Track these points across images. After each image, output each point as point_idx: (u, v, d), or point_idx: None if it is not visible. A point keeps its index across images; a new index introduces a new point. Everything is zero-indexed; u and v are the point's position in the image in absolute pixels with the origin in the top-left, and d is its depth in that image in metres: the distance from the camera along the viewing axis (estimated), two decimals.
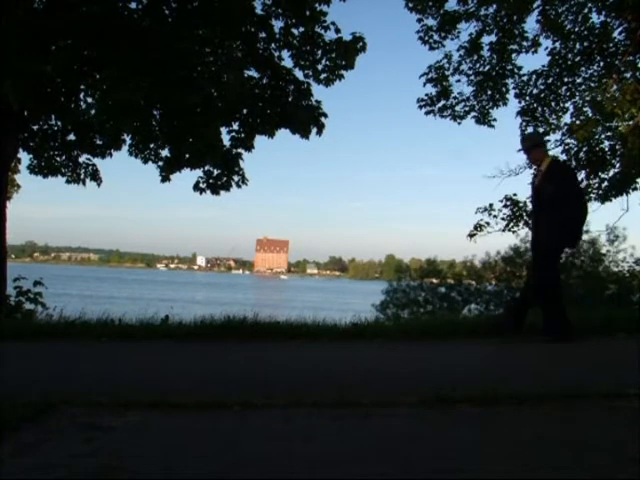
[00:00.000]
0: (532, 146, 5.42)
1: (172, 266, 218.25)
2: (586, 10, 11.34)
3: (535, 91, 12.36)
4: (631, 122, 10.77)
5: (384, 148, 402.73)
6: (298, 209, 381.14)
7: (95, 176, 10.81)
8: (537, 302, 5.34)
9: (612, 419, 2.88)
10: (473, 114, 12.67)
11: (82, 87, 9.65)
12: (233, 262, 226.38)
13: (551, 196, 5.19)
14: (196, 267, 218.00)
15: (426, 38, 12.06)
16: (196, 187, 10.61)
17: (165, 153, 10.58)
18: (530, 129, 12.49)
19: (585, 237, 14.97)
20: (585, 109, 12.26)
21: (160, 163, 10.65)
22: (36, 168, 10.48)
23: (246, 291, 69.26)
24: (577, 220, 5.29)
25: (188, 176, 10.74)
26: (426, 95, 12.52)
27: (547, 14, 11.56)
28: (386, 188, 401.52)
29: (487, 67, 12.26)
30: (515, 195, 12.65)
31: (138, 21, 9.15)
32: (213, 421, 2.83)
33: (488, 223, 12.64)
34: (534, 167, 5.53)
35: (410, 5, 11.65)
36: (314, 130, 9.86)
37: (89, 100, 9.81)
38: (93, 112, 9.73)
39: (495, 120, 12.71)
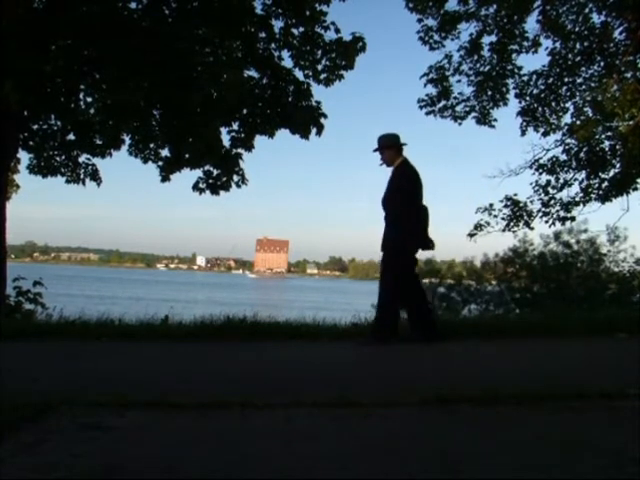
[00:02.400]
0: (384, 147, 5.37)
1: (172, 266, 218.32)
2: (587, 10, 11.34)
3: (535, 91, 12.38)
4: (631, 122, 10.77)
5: None
6: (298, 209, 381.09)
7: (95, 176, 10.82)
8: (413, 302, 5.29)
9: (612, 419, 2.88)
10: (474, 114, 12.68)
11: (82, 87, 9.65)
12: (233, 262, 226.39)
13: (394, 198, 5.18)
14: (196, 267, 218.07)
15: (426, 38, 12.07)
16: (195, 187, 10.62)
17: (165, 153, 10.60)
18: (530, 129, 12.52)
19: (584, 237, 14.98)
20: (585, 109, 12.27)
21: (160, 163, 10.65)
22: (36, 168, 10.48)
23: (247, 291, 69.35)
24: (419, 222, 5.20)
25: (188, 176, 10.75)
26: (427, 95, 12.54)
27: (547, 14, 11.57)
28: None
29: (487, 67, 12.28)
30: (515, 195, 12.68)
31: (138, 21, 9.15)
32: (213, 421, 2.83)
33: (488, 223, 12.66)
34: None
35: (410, 5, 11.66)
36: (314, 130, 9.86)
37: (89, 100, 9.83)
38: (92, 111, 9.75)
39: (496, 120, 12.74)
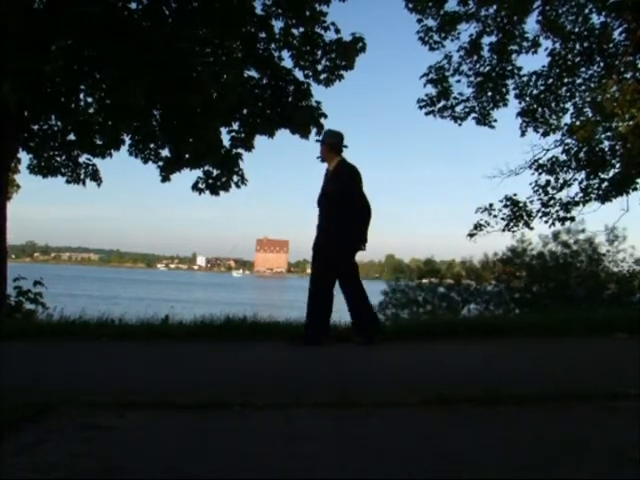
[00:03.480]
0: (324, 141, 5.29)
1: (172, 266, 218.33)
2: (586, 11, 11.35)
3: (535, 92, 12.38)
4: (631, 122, 10.77)
5: (384, 148, 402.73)
6: (298, 209, 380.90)
7: (95, 176, 10.82)
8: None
9: (612, 419, 2.88)
10: (473, 115, 12.70)
11: (82, 87, 9.65)
12: (233, 262, 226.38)
13: (333, 197, 5.09)
14: (196, 267, 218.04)
15: (426, 39, 12.09)
16: (195, 187, 10.62)
17: (165, 153, 10.60)
18: (530, 130, 12.53)
19: (583, 237, 14.99)
20: (585, 110, 12.28)
21: (160, 163, 10.65)
22: (36, 168, 10.48)
23: (247, 291, 69.29)
24: (357, 222, 5.11)
25: (188, 176, 10.75)
26: (426, 95, 12.55)
27: (547, 14, 11.57)
28: (386, 188, 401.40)
29: (487, 68, 12.28)
30: (515, 195, 12.68)
31: (138, 21, 9.15)
32: (213, 421, 2.83)
33: (488, 223, 12.67)
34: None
35: (410, 5, 11.67)
36: (314, 130, 9.86)
37: (89, 100, 9.83)
38: (92, 111, 9.75)
39: (495, 121, 12.75)
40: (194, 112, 9.42)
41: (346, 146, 5.34)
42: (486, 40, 12.15)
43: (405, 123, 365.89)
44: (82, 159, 10.67)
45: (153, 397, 3.04)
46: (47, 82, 8.95)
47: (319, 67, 9.89)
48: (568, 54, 11.90)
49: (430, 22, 11.95)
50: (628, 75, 11.31)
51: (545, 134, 12.60)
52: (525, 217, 12.65)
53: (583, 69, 12.02)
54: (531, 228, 12.97)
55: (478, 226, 12.67)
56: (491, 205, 12.65)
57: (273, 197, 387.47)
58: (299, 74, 10.00)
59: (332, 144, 5.26)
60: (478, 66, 12.32)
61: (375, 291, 19.01)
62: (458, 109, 12.65)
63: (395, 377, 3.87)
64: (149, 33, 8.82)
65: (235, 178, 10.53)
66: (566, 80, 12.14)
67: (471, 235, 12.73)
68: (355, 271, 5.27)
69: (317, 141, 5.41)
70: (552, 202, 12.51)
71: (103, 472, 2.15)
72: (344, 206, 5.05)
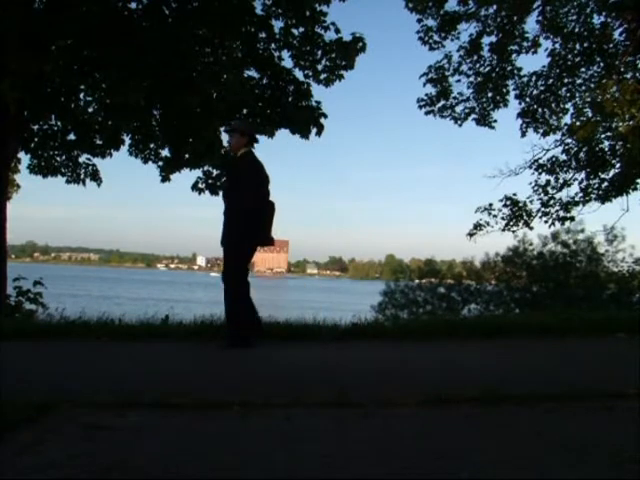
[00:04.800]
0: (235, 130, 5.14)
1: (172, 266, 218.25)
2: (587, 11, 11.35)
3: (535, 92, 12.38)
4: (631, 122, 10.77)
5: (384, 148, 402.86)
6: (298, 209, 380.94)
7: (95, 176, 10.82)
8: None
9: (612, 419, 2.88)
10: (473, 116, 12.70)
11: (82, 87, 9.66)
12: None
13: (236, 190, 4.96)
14: (196, 267, 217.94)
15: (426, 38, 12.09)
16: (195, 187, 10.63)
17: (165, 153, 10.61)
18: (530, 130, 12.53)
19: (582, 237, 15.01)
20: (585, 110, 12.28)
21: (160, 163, 10.66)
22: (36, 168, 10.49)
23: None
24: (258, 216, 4.92)
25: (188, 176, 10.74)
26: (426, 95, 12.55)
27: (547, 14, 11.58)
28: (386, 188, 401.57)
29: (487, 68, 12.28)
30: (515, 195, 12.69)
31: (138, 21, 9.15)
32: (213, 421, 2.83)
33: (488, 223, 12.67)
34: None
35: (410, 5, 11.67)
36: (314, 130, 9.87)
37: (89, 100, 9.83)
38: (91, 111, 9.75)
39: (495, 121, 12.75)
40: (194, 112, 9.43)
41: (256, 140, 5.24)
42: (486, 40, 12.17)
43: (405, 123, 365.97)
44: (82, 159, 10.68)
45: (153, 397, 3.04)
46: (47, 82, 8.95)
47: (319, 67, 9.89)
48: (568, 54, 11.90)
49: (430, 22, 11.97)
50: (628, 75, 11.33)
51: (545, 134, 12.61)
52: (525, 217, 12.65)
53: (583, 69, 12.02)
54: (531, 228, 12.98)
55: (478, 226, 12.67)
56: (491, 205, 12.65)
57: (273, 197, 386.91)
58: (299, 74, 10.02)
59: (244, 133, 5.11)
60: (478, 66, 12.33)
61: (375, 291, 19.06)
62: (458, 109, 12.67)
63: (389, 377, 3.87)
64: (149, 33, 8.83)
65: None
66: (566, 80, 12.15)
67: (471, 235, 12.73)
68: (244, 265, 5.08)
69: (226, 131, 5.21)
70: (552, 202, 12.52)
71: (103, 472, 2.15)
72: (246, 201, 4.88)
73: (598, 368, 4.21)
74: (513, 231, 12.91)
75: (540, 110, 12.45)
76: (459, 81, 12.47)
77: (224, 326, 5.09)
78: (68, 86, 9.43)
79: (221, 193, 5.13)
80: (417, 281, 17.27)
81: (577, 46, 11.80)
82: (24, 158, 11.35)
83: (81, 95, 9.83)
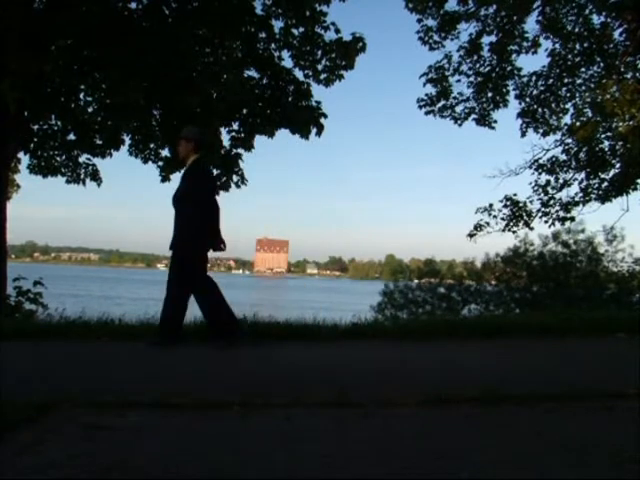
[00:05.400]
0: (182, 138, 5.20)
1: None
2: (587, 11, 11.35)
3: (535, 92, 12.38)
4: (631, 122, 10.78)
5: (384, 148, 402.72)
6: (298, 209, 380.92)
7: (95, 176, 10.82)
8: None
9: (612, 419, 2.88)
10: (473, 116, 12.70)
11: (82, 87, 9.66)
12: (233, 262, 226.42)
13: (184, 195, 5.02)
14: None
15: (426, 38, 12.09)
16: None
17: (165, 153, 10.60)
18: (530, 130, 12.53)
19: (582, 237, 15.02)
20: (585, 110, 12.29)
21: (160, 163, 10.66)
22: (36, 168, 10.48)
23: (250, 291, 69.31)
24: (210, 222, 5.02)
25: None
26: (426, 95, 12.56)
27: (547, 14, 11.58)
28: (386, 188, 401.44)
29: (487, 68, 12.29)
30: (515, 195, 12.69)
31: (138, 21, 9.16)
32: (213, 421, 2.83)
33: (488, 223, 12.67)
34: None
35: (410, 5, 11.68)
36: (314, 130, 9.86)
37: (89, 99, 9.84)
38: (91, 110, 9.76)
39: (495, 122, 12.75)
40: (194, 112, 9.42)
41: (206, 145, 5.30)
42: (486, 40, 12.18)
43: (405, 123, 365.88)
44: (82, 159, 10.68)
45: (153, 397, 3.04)
46: (47, 82, 8.95)
47: (319, 67, 9.89)
48: (568, 54, 11.90)
49: (430, 22, 11.98)
50: (628, 75, 11.33)
51: (545, 134, 12.61)
52: (525, 217, 12.65)
53: (583, 69, 12.03)
54: (531, 228, 12.98)
55: (478, 226, 12.67)
56: (491, 205, 12.66)
57: (273, 197, 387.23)
58: (299, 74, 10.02)
59: (189, 140, 5.16)
60: (478, 66, 12.33)
61: (375, 291, 19.06)
62: (458, 109, 12.67)
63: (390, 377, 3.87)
64: (149, 33, 8.83)
65: (235, 178, 10.54)
66: (566, 80, 12.15)
67: (471, 235, 12.73)
68: (205, 269, 5.12)
69: (178, 138, 5.29)
70: (552, 202, 12.52)
71: (103, 472, 2.15)
72: (197, 206, 4.96)
73: (598, 368, 4.21)
74: (513, 231, 12.92)
75: (540, 110, 12.46)
76: (459, 81, 12.49)
77: (212, 329, 5.06)
78: (68, 86, 9.43)
79: (172, 200, 5.16)
80: (416, 281, 17.28)
81: (577, 46, 11.80)
82: (24, 158, 11.35)
83: (81, 95, 9.83)
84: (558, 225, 12.86)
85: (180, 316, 5.05)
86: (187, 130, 5.31)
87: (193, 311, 5.29)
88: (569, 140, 12.44)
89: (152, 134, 10.38)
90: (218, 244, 5.14)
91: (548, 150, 12.55)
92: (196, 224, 4.97)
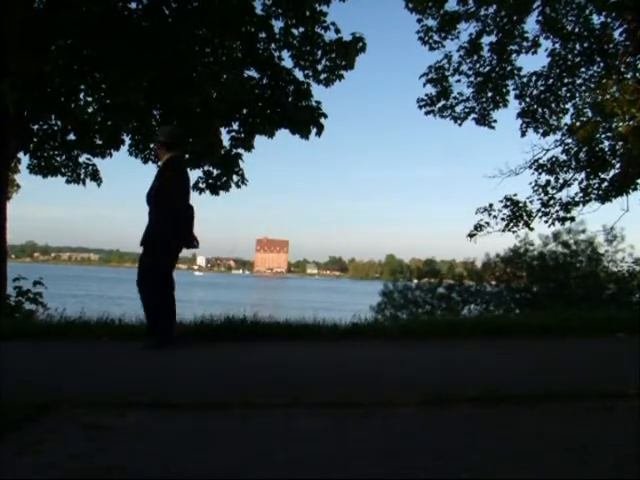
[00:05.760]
0: (159, 142, 5.27)
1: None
2: (587, 12, 11.35)
3: (535, 92, 12.38)
4: (631, 122, 10.77)
5: (384, 148, 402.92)
6: (298, 209, 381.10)
7: (95, 176, 10.82)
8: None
9: (612, 419, 2.88)
10: (473, 115, 12.70)
11: (82, 87, 9.65)
12: (233, 262, 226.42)
13: (160, 195, 5.00)
14: (196, 267, 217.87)
15: (426, 38, 12.09)
16: (195, 187, 10.61)
17: None
18: (530, 130, 12.52)
19: (583, 237, 15.02)
20: (585, 110, 12.28)
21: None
22: (36, 168, 10.48)
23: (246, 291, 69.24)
24: (184, 221, 5.04)
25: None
26: (426, 95, 12.56)
27: (547, 14, 11.58)
28: (386, 188, 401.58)
29: (487, 68, 12.28)
30: (515, 195, 12.68)
31: (138, 21, 9.16)
32: (213, 421, 2.83)
33: (488, 223, 12.66)
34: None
35: (410, 5, 11.68)
36: (314, 130, 9.86)
37: (89, 100, 9.83)
38: (90, 110, 9.75)
39: (495, 121, 12.75)
40: (194, 112, 9.42)
41: (180, 143, 5.33)
42: (486, 40, 12.17)
43: (405, 123, 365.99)
44: (82, 159, 10.67)
45: (153, 397, 3.04)
46: (47, 82, 8.95)
47: (319, 67, 9.88)
48: (568, 54, 11.90)
49: (430, 22, 11.97)
50: (628, 75, 11.33)
51: (545, 134, 12.61)
52: (525, 217, 12.65)
53: (583, 69, 12.02)
54: (531, 228, 12.98)
55: (478, 226, 12.67)
56: (491, 205, 12.65)
57: (273, 197, 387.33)
58: (299, 74, 10.01)
59: (161, 141, 5.22)
60: (478, 66, 12.33)
61: (375, 291, 19.06)
62: (458, 109, 12.66)
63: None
64: (149, 33, 8.83)
65: (235, 178, 10.54)
66: (566, 80, 12.15)
67: (471, 235, 12.72)
68: (169, 267, 5.11)
69: (156, 141, 5.34)
70: (552, 202, 12.51)
71: (103, 472, 2.15)
72: (170, 204, 4.97)
73: (598, 368, 4.21)
74: (513, 231, 12.91)
75: (540, 110, 12.46)
76: (459, 81, 12.48)
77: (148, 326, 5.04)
78: (68, 86, 9.43)
79: (145, 196, 5.15)
80: (416, 281, 17.28)
81: (577, 46, 11.80)
82: (24, 158, 11.35)
83: (81, 95, 9.82)
84: (558, 225, 12.87)
85: (169, 312, 4.99)
86: (160, 130, 5.48)
87: (193, 311, 5.30)
88: (569, 140, 12.44)
89: (152, 134, 10.37)
90: (191, 241, 5.15)
91: (548, 150, 12.55)
92: (167, 221, 4.96)
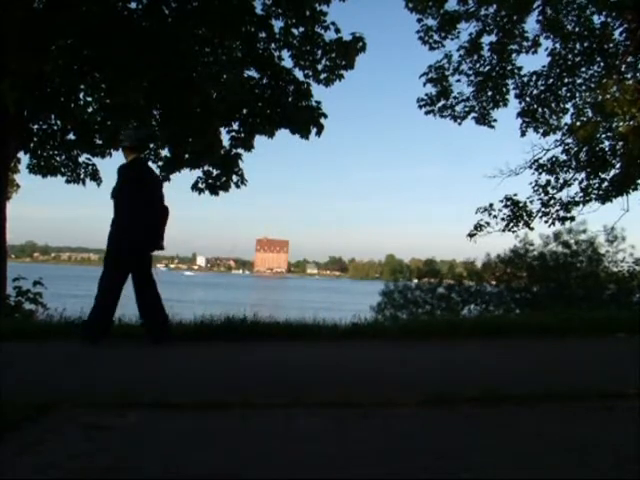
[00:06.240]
0: (121, 141, 5.36)
1: (172, 266, 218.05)
2: (587, 11, 11.35)
3: (535, 92, 12.38)
4: (631, 122, 10.77)
5: (384, 148, 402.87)
6: (298, 209, 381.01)
7: (95, 176, 10.81)
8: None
9: (612, 419, 2.88)
10: (473, 115, 12.70)
11: (82, 87, 9.65)
12: (233, 262, 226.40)
13: (122, 195, 5.04)
14: (196, 267, 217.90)
15: (426, 38, 12.08)
16: (195, 187, 10.62)
17: (165, 153, 10.60)
18: (530, 130, 12.51)
19: (583, 237, 15.01)
20: (585, 110, 12.28)
21: (160, 163, 10.65)
22: (36, 168, 10.48)
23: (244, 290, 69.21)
24: (149, 221, 5.03)
25: (188, 176, 10.75)
26: (426, 95, 12.55)
27: (547, 14, 11.58)
28: (386, 188, 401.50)
29: (487, 67, 12.28)
30: (515, 195, 12.68)
31: (138, 21, 9.15)
32: (213, 421, 2.83)
33: (488, 223, 12.65)
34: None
35: (410, 5, 11.67)
36: (314, 130, 9.86)
37: (88, 99, 9.84)
38: (90, 110, 9.75)
39: (495, 121, 12.74)
40: (194, 112, 9.42)
41: (144, 145, 5.40)
42: (486, 39, 12.16)
43: (405, 123, 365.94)
44: (82, 159, 10.67)
45: (153, 397, 3.04)
46: (47, 82, 8.94)
47: (319, 67, 9.88)
48: (568, 54, 11.89)
49: (430, 21, 11.96)
50: (628, 75, 11.33)
51: (545, 134, 12.60)
52: (525, 217, 12.64)
53: (583, 69, 12.02)
54: (531, 228, 12.97)
55: (478, 226, 12.66)
56: (491, 205, 12.64)
57: (273, 197, 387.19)
58: (299, 74, 10.01)
59: (122, 142, 5.27)
60: (478, 66, 12.32)
61: (375, 291, 19.05)
62: (458, 108, 12.65)
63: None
64: (149, 33, 8.82)
65: (235, 178, 10.53)
66: (566, 80, 12.14)
67: (471, 235, 12.72)
68: (148, 269, 5.16)
69: (121, 146, 5.40)
70: (552, 202, 12.51)
71: (103, 472, 2.15)
72: (134, 204, 4.99)
73: (598, 368, 4.21)
74: (513, 231, 12.90)
75: (540, 110, 12.45)
76: (459, 81, 12.47)
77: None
78: (68, 86, 9.42)
79: (110, 195, 5.17)
80: (416, 281, 17.27)
81: (577, 46, 11.79)
82: (24, 158, 11.34)
83: (81, 95, 9.82)
84: (558, 225, 12.86)
85: (106, 313, 5.01)
86: (123, 132, 5.51)
87: (193, 311, 5.29)
88: (569, 140, 12.43)
89: (152, 134, 10.37)
90: (155, 243, 5.13)
91: (548, 150, 12.54)
92: (125, 221, 4.99)
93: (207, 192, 10.63)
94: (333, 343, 5.21)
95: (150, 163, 10.63)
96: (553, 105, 12.41)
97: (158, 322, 5.08)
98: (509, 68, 12.32)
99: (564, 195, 12.52)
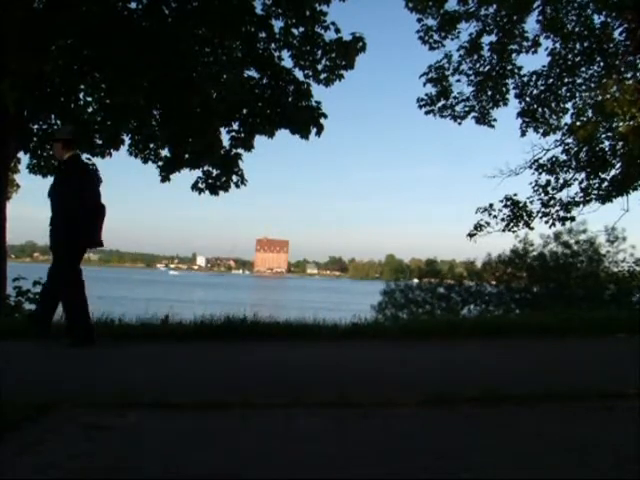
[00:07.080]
0: (54, 140, 5.35)
1: (172, 266, 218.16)
2: (587, 11, 11.35)
3: (535, 91, 12.37)
4: (631, 122, 10.76)
5: (384, 148, 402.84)
6: (298, 209, 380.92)
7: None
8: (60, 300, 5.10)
9: (612, 419, 2.88)
10: (473, 114, 12.69)
11: (82, 87, 9.65)
12: (233, 262, 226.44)
13: (61, 193, 5.03)
14: (196, 267, 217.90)
15: (426, 38, 12.07)
16: (194, 187, 10.61)
17: (165, 153, 10.59)
18: (530, 130, 12.51)
19: (584, 237, 15.02)
20: (585, 110, 12.27)
21: (160, 163, 10.65)
22: (36, 168, 10.48)
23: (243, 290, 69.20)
24: (86, 219, 5.00)
25: (188, 176, 10.75)
26: (426, 95, 12.54)
27: (547, 14, 11.57)
28: (386, 188, 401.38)
29: (487, 67, 12.27)
30: (515, 195, 12.67)
31: (138, 21, 9.15)
32: (213, 421, 2.83)
33: (488, 223, 12.64)
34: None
35: (410, 5, 11.66)
36: (314, 130, 9.86)
37: (88, 99, 9.84)
38: (90, 110, 9.75)
39: (495, 120, 12.73)
40: (194, 112, 9.42)
41: (78, 141, 5.39)
42: (486, 39, 12.15)
43: (405, 123, 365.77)
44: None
45: (153, 397, 3.04)
46: (47, 82, 8.94)
47: (319, 67, 9.88)
48: (568, 54, 11.89)
49: (430, 21, 11.95)
50: (628, 75, 11.32)
51: (545, 134, 12.59)
52: (525, 217, 12.63)
53: (583, 69, 12.01)
54: (531, 228, 12.96)
55: (478, 226, 12.64)
56: (491, 205, 12.63)
57: (273, 197, 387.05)
58: (299, 74, 10.00)
59: (58, 140, 5.26)
60: (478, 65, 12.31)
61: (375, 291, 19.06)
62: (458, 108, 12.64)
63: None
64: (149, 33, 8.82)
65: (235, 178, 10.53)
66: (566, 80, 12.13)
67: (471, 235, 12.71)
68: (70, 265, 5.11)
69: (51, 140, 5.39)
70: (552, 202, 12.50)
71: (103, 472, 2.15)
72: (71, 202, 4.98)
73: (598, 368, 4.21)
74: (513, 231, 12.89)
75: (540, 110, 12.44)
76: (459, 81, 12.47)
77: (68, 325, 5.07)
78: (68, 86, 9.42)
79: (47, 193, 5.17)
80: (416, 280, 17.28)
81: (577, 46, 11.79)
82: (24, 158, 11.34)
83: (81, 95, 9.82)
84: (558, 225, 12.85)
85: (82, 310, 5.02)
86: (56, 130, 5.43)
87: (193, 311, 5.29)
88: (569, 140, 12.41)
89: (152, 134, 10.37)
90: (93, 240, 5.13)
91: (548, 150, 12.53)
92: (61, 218, 4.99)
93: (207, 192, 10.63)
94: (333, 343, 5.22)
95: (150, 163, 10.69)
96: (553, 105, 12.41)
97: (48, 315, 5.09)
98: (509, 68, 12.31)
99: (564, 195, 12.52)
